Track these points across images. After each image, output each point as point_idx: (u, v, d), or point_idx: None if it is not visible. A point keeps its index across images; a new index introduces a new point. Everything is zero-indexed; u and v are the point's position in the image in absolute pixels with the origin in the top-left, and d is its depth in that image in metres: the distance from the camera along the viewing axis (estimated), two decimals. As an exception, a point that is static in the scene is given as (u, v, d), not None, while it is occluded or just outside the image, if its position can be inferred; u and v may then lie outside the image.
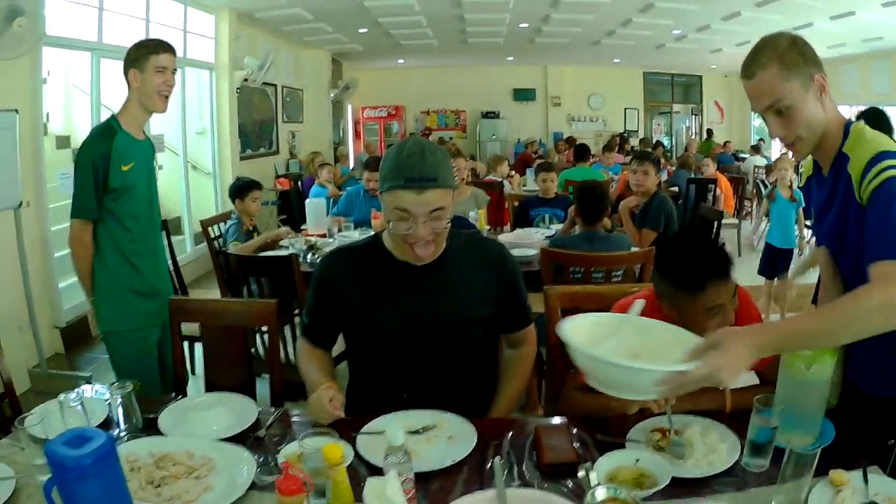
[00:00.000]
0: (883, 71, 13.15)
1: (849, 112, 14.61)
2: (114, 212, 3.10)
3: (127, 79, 3.09)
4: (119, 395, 2.05)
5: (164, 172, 8.18)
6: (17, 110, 5.00)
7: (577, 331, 1.84)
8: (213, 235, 5.56)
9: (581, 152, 8.97)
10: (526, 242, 4.96)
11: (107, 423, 2.12)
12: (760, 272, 6.51)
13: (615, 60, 17.37)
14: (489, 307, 2.30)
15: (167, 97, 3.13)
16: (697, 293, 2.01)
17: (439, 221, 2.07)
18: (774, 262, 6.39)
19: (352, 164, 13.64)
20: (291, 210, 10.03)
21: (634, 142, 17.06)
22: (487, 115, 19.05)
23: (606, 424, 2.04)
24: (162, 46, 3.08)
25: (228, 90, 9.66)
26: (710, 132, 17.31)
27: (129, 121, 3.13)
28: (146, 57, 3.02)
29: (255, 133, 11.31)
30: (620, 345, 1.85)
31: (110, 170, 3.01)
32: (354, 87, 15.53)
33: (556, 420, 2.14)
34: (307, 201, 6.54)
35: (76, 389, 2.26)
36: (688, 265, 2.03)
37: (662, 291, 2.12)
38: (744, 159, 14.37)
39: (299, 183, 10.89)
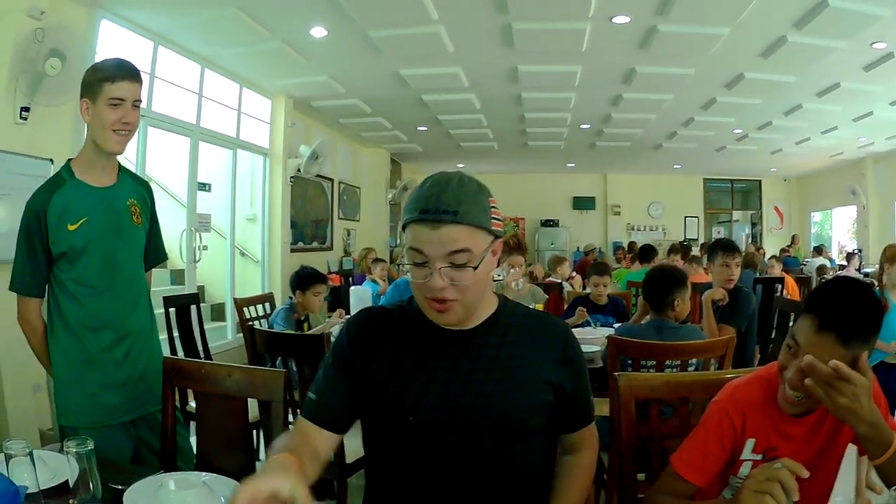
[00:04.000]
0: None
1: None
2: (62, 281, 2.52)
3: (80, 110, 2.51)
4: (75, 453, 1.63)
5: (210, 255, 8.06)
6: (52, 160, 4.83)
7: None
8: (248, 316, 5.30)
9: (646, 253, 8.59)
10: (589, 339, 4.50)
11: (65, 488, 1.75)
12: None
13: (675, 166, 17.27)
14: (547, 393, 1.81)
15: (124, 136, 2.50)
16: (821, 333, 1.67)
17: (460, 270, 1.62)
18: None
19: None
20: (342, 306, 9.84)
21: (696, 251, 16.74)
22: (546, 223, 18.96)
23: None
24: (121, 72, 2.45)
25: (282, 178, 9.61)
26: (794, 238, 16.87)
27: (84, 165, 2.55)
28: (99, 84, 2.42)
29: (309, 227, 11.29)
30: None
31: (49, 232, 2.45)
32: (413, 188, 15.52)
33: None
34: (352, 289, 6.36)
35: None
36: (833, 302, 1.70)
37: (795, 325, 1.78)
38: (805, 264, 14.13)
39: (350, 279, 10.72)
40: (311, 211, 11.39)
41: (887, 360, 4.77)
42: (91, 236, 2.50)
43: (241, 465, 2.23)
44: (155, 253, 2.86)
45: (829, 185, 17.12)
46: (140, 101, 2.52)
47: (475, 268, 1.63)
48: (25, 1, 4.67)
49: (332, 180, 12.17)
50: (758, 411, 1.82)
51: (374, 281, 8.53)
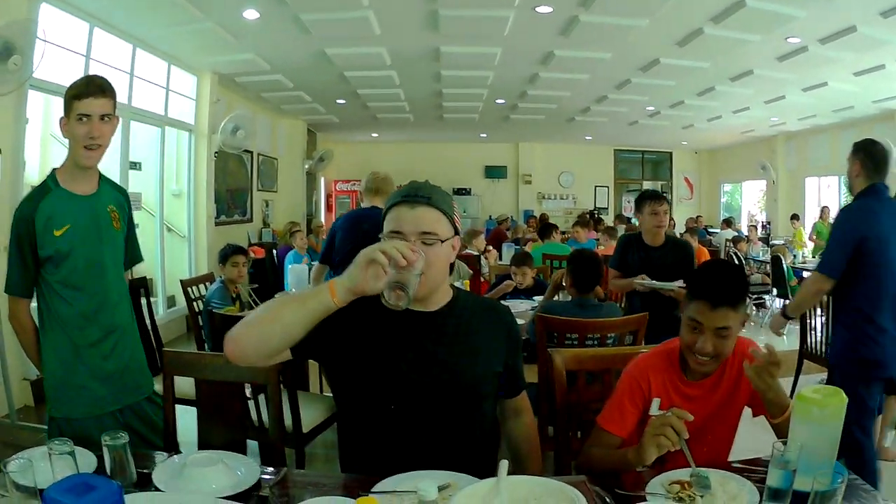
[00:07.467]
0: (853, 140, 13.18)
1: (817, 183, 14.92)
2: (50, 282, 2.67)
3: (60, 126, 2.66)
4: (113, 445, 1.87)
5: (139, 232, 8.03)
6: (-1, 150, 4.83)
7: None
8: (192, 296, 5.47)
9: (545, 231, 9.04)
10: (515, 313, 4.81)
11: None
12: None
13: (587, 137, 17.70)
14: (498, 365, 2.20)
15: (94, 150, 2.62)
16: (717, 309, 2.12)
17: (431, 247, 1.96)
18: None
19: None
20: (266, 279, 9.85)
21: (607, 219, 17.06)
22: (459, 191, 19.08)
23: (623, 480, 1.99)
24: (87, 88, 2.57)
25: (207, 154, 9.60)
26: (825, 210, 13.64)
27: (68, 175, 2.69)
28: (70, 102, 2.56)
29: (228, 199, 11.30)
30: None
31: (37, 237, 2.59)
32: (329, 158, 15.55)
33: (574, 478, 2.03)
34: (290, 267, 6.48)
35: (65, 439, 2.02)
36: (718, 284, 2.16)
37: (690, 310, 2.22)
38: (714, 234, 14.63)
39: (274, 252, 10.76)
40: (231, 182, 11.41)
41: None
42: (75, 241, 2.65)
43: (237, 444, 2.46)
44: (132, 254, 3.02)
45: (741, 159, 17.79)
46: (110, 115, 2.63)
47: (442, 241, 2.00)
48: (-28, -12, 4.62)
49: (251, 153, 12.17)
50: (660, 376, 2.28)
51: (298, 252, 8.70)
